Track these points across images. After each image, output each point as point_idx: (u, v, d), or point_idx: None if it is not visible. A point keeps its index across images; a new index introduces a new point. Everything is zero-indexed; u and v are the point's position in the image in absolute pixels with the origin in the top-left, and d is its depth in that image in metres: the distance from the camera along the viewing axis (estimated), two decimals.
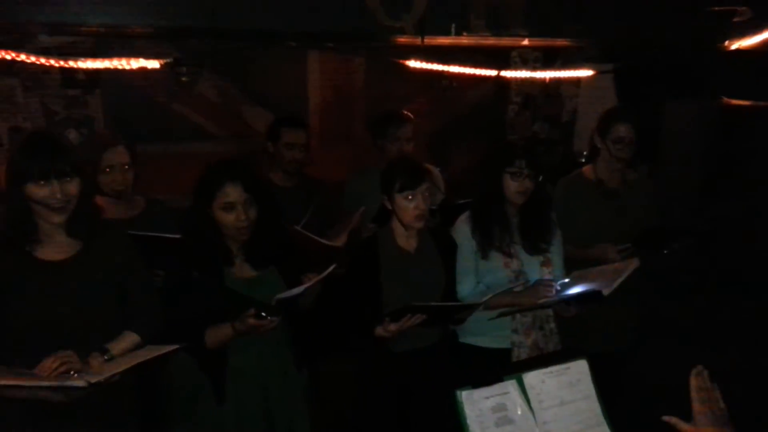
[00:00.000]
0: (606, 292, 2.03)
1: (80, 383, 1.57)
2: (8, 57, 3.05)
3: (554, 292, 2.15)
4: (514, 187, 2.23)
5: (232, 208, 1.89)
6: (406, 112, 3.02)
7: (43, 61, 3.14)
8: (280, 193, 2.74)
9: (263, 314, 1.80)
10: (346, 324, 2.20)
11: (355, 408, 2.29)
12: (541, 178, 2.26)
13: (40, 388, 1.58)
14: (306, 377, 2.14)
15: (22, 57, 3.08)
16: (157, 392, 2.12)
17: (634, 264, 2.19)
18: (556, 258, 2.33)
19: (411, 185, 2.10)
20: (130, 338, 1.80)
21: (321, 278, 1.92)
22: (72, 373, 1.61)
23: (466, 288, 2.25)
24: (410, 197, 2.11)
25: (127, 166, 2.36)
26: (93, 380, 1.58)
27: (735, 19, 3.67)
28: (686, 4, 3.66)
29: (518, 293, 2.20)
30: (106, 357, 1.71)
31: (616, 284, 2.07)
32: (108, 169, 2.33)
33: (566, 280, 2.23)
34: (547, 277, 2.25)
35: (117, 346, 1.75)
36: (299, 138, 2.82)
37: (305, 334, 2.10)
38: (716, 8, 3.67)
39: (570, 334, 2.35)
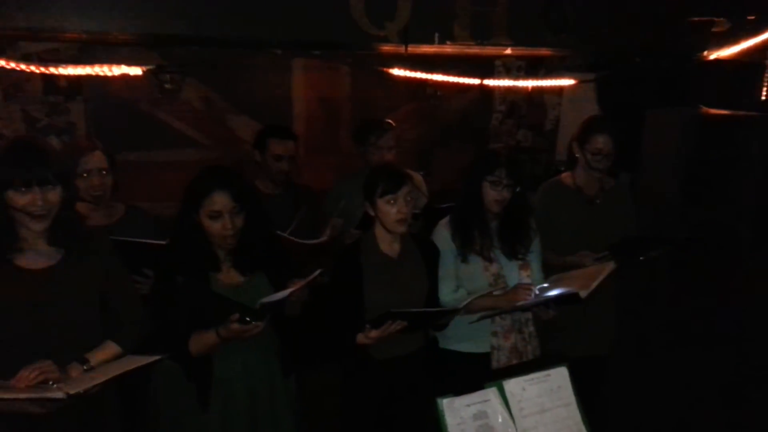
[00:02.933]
0: (583, 294, 2.06)
1: (59, 395, 1.55)
2: None
3: (533, 295, 2.18)
4: (492, 195, 2.26)
5: (219, 216, 1.88)
6: (387, 121, 3.04)
7: (23, 67, 3.11)
8: (267, 200, 2.74)
9: (248, 319, 1.79)
10: (330, 331, 2.20)
11: (339, 415, 2.29)
12: (519, 189, 2.28)
13: (18, 400, 1.56)
14: (293, 385, 2.13)
15: (2, 63, 3.04)
16: (141, 399, 2.10)
17: (610, 267, 2.23)
18: (534, 263, 2.37)
19: (392, 189, 2.12)
20: (110, 348, 1.79)
21: (306, 283, 1.91)
22: (51, 383, 1.59)
23: (446, 292, 2.27)
24: (392, 201, 2.12)
25: (104, 171, 2.34)
26: (72, 392, 1.56)
27: (713, 30, 3.75)
28: (666, 15, 3.73)
29: (497, 296, 2.22)
30: (85, 367, 1.69)
31: (593, 287, 2.10)
32: (85, 174, 2.31)
33: (545, 285, 2.26)
34: (526, 280, 2.28)
35: (97, 357, 1.74)
36: (287, 150, 2.81)
37: (292, 342, 2.10)
38: (695, 19, 3.75)
39: (551, 341, 2.38)
